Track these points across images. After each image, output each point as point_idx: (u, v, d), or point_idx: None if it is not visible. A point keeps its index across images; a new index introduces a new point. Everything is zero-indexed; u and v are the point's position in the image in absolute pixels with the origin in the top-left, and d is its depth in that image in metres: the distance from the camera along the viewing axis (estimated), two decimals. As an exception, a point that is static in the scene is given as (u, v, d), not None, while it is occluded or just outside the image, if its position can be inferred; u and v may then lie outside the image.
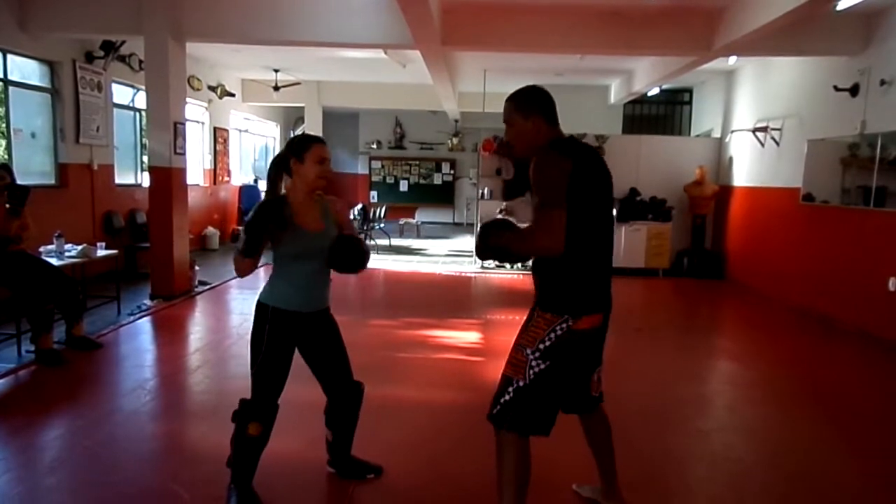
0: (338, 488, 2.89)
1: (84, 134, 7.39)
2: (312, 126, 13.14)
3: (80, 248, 5.66)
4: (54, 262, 5.13)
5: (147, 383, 4.26)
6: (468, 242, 12.30)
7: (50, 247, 5.49)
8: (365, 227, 11.33)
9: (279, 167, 2.61)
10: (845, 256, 6.46)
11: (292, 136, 16.40)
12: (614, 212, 2.45)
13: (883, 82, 5.97)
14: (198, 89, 10.15)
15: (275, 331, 2.57)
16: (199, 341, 5.54)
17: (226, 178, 11.83)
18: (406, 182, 16.89)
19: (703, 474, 3.25)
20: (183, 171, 6.96)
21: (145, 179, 8.09)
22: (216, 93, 10.91)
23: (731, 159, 9.29)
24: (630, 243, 8.91)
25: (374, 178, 16.77)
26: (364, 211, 11.34)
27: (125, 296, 6.39)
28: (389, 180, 16.82)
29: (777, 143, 7.91)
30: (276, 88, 11.17)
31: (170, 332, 5.74)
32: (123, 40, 7.65)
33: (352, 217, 11.31)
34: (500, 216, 8.95)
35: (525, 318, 2.39)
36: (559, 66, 9.74)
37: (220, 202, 11.65)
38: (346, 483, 2.90)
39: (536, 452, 2.32)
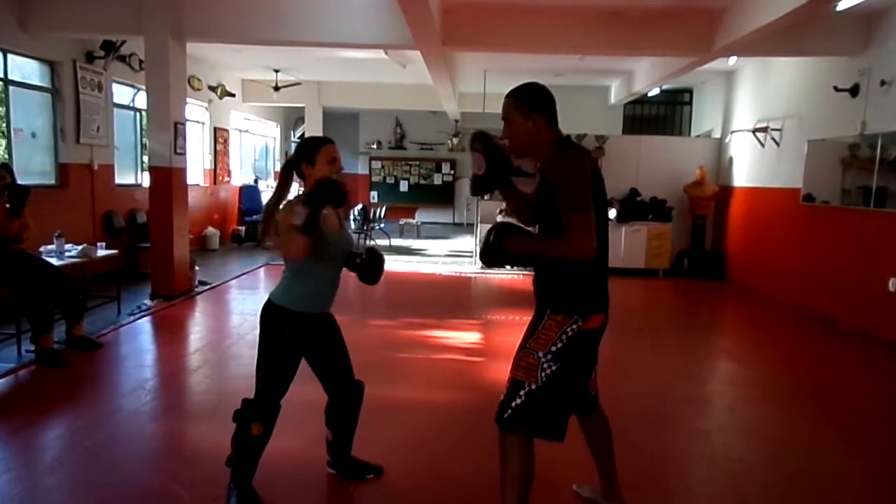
0: (338, 488, 2.89)
1: (84, 134, 7.39)
2: (312, 126, 13.15)
3: (80, 248, 5.66)
4: (54, 261, 5.14)
5: (147, 383, 4.26)
6: (468, 243, 12.30)
7: (50, 247, 5.49)
8: (365, 228, 11.33)
9: (290, 172, 2.60)
10: (845, 257, 6.46)
11: (295, 137, 16.33)
12: (612, 213, 2.44)
13: (883, 83, 5.97)
14: (198, 89, 10.16)
15: (294, 335, 2.55)
16: (199, 341, 5.54)
17: (226, 179, 11.83)
18: (406, 182, 16.89)
19: (703, 474, 3.25)
20: (183, 172, 6.97)
21: (145, 179, 8.09)
22: (216, 93, 10.91)
23: (731, 160, 9.29)
24: (630, 244, 8.92)
25: (375, 179, 16.77)
26: (364, 211, 11.34)
27: (125, 296, 6.39)
28: (389, 180, 16.82)
29: (777, 144, 7.91)
30: (277, 88, 11.18)
31: (170, 333, 5.74)
32: (124, 40, 7.65)
33: (352, 217, 11.34)
34: (501, 218, 8.96)
35: (530, 320, 2.38)
36: (559, 66, 9.75)
37: (221, 202, 11.65)
38: (347, 483, 2.90)
39: (536, 452, 2.32)
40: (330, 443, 2.90)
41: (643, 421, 3.73)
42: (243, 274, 8.48)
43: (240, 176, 12.73)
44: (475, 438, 3.30)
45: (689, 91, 11.73)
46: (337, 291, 2.71)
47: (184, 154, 6.93)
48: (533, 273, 2.40)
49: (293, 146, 16.50)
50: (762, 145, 8.23)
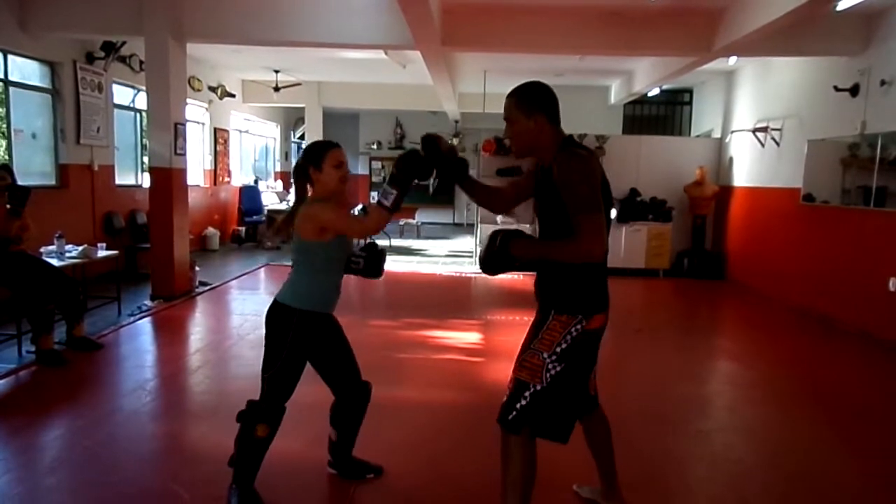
0: (339, 488, 2.89)
1: (84, 134, 7.39)
2: (313, 127, 13.15)
3: (80, 248, 5.67)
4: (55, 262, 5.14)
5: (147, 384, 4.26)
6: (468, 243, 12.31)
7: (50, 247, 5.50)
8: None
9: (303, 176, 2.62)
10: (845, 256, 6.46)
11: (295, 137, 16.32)
12: (613, 213, 2.44)
13: (883, 82, 5.98)
14: (198, 90, 10.16)
15: (299, 335, 2.56)
16: (199, 342, 5.55)
17: (226, 179, 11.83)
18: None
19: (704, 474, 3.25)
20: (183, 172, 6.97)
21: (146, 180, 8.09)
22: (216, 93, 10.91)
23: (731, 160, 9.29)
24: (630, 244, 8.92)
25: (375, 179, 16.76)
26: (365, 211, 11.33)
27: (126, 296, 6.40)
28: (390, 181, 16.79)
29: (777, 144, 7.91)
30: (277, 89, 11.18)
31: (170, 333, 5.75)
32: (124, 41, 7.66)
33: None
34: (501, 219, 8.96)
35: (533, 320, 2.38)
36: (559, 66, 9.75)
37: (221, 203, 11.65)
38: (347, 483, 2.90)
39: (537, 452, 2.32)
40: (333, 442, 2.90)
41: (643, 421, 3.73)
42: (244, 274, 8.48)
43: (240, 176, 12.73)
44: (475, 438, 3.30)
45: (690, 91, 11.74)
46: (339, 292, 2.72)
47: (184, 155, 6.94)
48: (535, 274, 2.40)
49: (293, 146, 16.52)
50: (762, 145, 8.23)
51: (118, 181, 8.28)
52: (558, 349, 2.23)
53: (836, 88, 6.49)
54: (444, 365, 4.90)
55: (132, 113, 8.90)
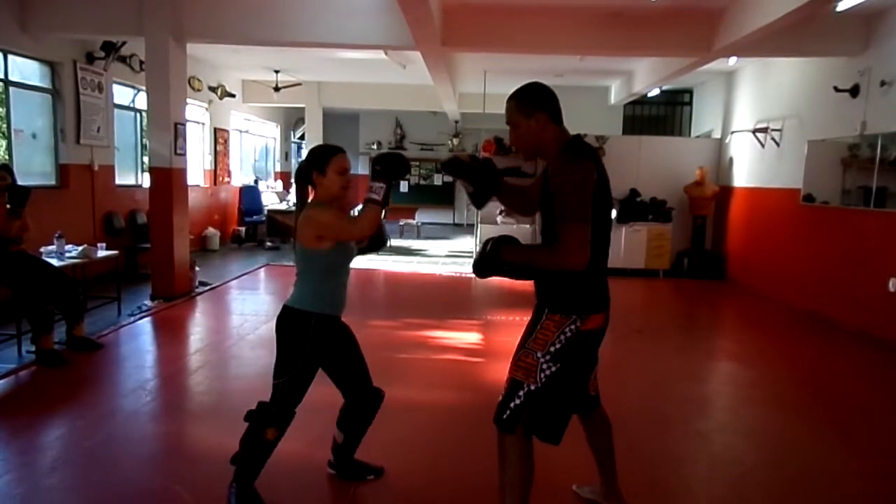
0: (339, 489, 2.89)
1: (85, 134, 7.39)
2: (313, 127, 13.15)
3: (80, 248, 5.67)
4: (55, 262, 5.14)
5: (148, 384, 4.26)
6: (468, 243, 12.31)
7: (50, 247, 5.50)
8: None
9: (303, 179, 2.63)
10: (845, 257, 6.46)
11: (295, 137, 16.33)
12: (613, 212, 2.44)
13: (883, 83, 5.98)
14: (198, 90, 10.16)
15: (317, 340, 2.56)
16: (199, 342, 5.55)
17: (226, 179, 11.83)
18: (406, 183, 16.86)
19: (704, 475, 3.25)
20: (183, 172, 6.97)
21: (146, 180, 8.09)
22: (217, 93, 10.91)
23: (731, 160, 9.29)
24: (630, 244, 8.91)
25: (375, 179, 16.75)
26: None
27: (126, 296, 6.40)
28: (390, 181, 16.78)
29: (777, 144, 7.91)
30: (277, 89, 11.18)
31: (170, 333, 5.75)
32: (124, 41, 7.66)
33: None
34: (501, 219, 8.96)
35: (529, 319, 2.37)
36: (559, 67, 9.75)
37: (221, 203, 11.65)
38: (347, 483, 2.90)
39: (536, 452, 2.32)
40: (338, 445, 2.90)
41: (644, 421, 3.73)
42: (244, 274, 8.48)
43: (240, 176, 12.74)
44: (475, 439, 3.30)
45: (689, 91, 11.74)
46: (346, 294, 2.72)
47: (184, 155, 6.94)
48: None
49: (293, 147, 16.52)
50: (762, 146, 8.23)
51: (118, 181, 8.28)
52: (552, 349, 2.22)
53: (836, 89, 6.49)
54: (444, 365, 4.91)
55: (132, 113, 8.90)
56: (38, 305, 4.48)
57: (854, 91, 6.38)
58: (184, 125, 6.98)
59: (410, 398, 4.12)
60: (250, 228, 11.78)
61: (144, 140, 8.48)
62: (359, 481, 2.92)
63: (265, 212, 11.81)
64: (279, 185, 14.31)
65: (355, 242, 2.73)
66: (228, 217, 11.93)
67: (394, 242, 11.93)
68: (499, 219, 9.19)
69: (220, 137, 11.37)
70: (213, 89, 10.78)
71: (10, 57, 6.49)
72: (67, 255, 5.51)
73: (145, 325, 5.82)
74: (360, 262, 2.82)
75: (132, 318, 5.85)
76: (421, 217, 15.46)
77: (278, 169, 15.46)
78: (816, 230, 7.05)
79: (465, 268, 9.61)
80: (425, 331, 5.83)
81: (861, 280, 6.20)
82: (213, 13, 6.61)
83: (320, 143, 13.31)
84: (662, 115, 12.48)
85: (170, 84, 6.53)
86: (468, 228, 14.97)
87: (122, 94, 8.51)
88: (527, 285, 2.40)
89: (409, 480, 2.99)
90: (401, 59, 8.95)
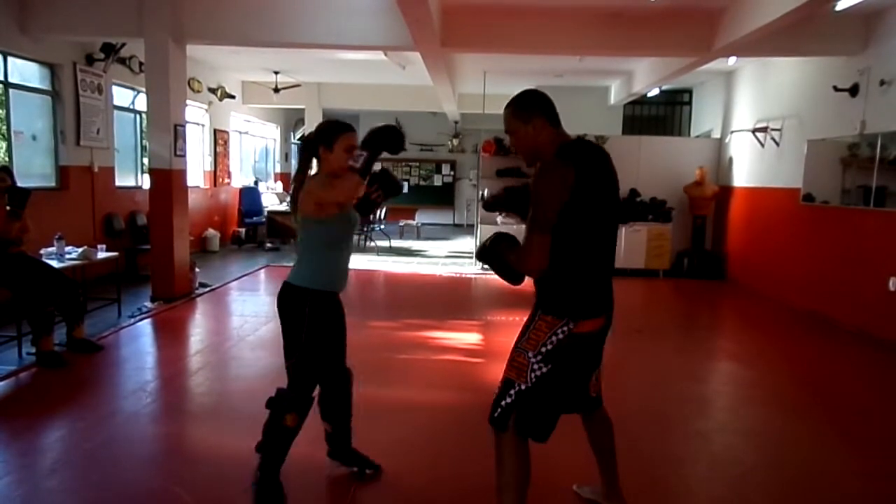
0: (339, 489, 2.89)
1: (84, 136, 7.39)
2: (312, 128, 13.12)
3: (80, 250, 5.67)
4: (55, 264, 5.14)
5: (148, 385, 4.27)
6: (468, 244, 12.31)
7: (50, 249, 5.50)
8: (365, 229, 11.34)
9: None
10: (845, 256, 6.46)
11: (295, 138, 16.30)
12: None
13: (882, 82, 5.98)
14: (198, 91, 10.16)
15: (315, 313, 2.56)
16: (199, 343, 5.55)
17: (226, 180, 11.83)
18: (406, 183, 16.87)
19: (704, 475, 3.25)
20: (183, 173, 6.97)
21: (146, 181, 8.09)
22: (216, 95, 10.92)
23: (730, 160, 9.29)
24: (630, 244, 8.91)
25: (375, 180, 16.76)
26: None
27: (126, 298, 6.40)
28: (389, 181, 16.80)
29: (777, 144, 7.91)
30: (277, 90, 11.18)
31: (170, 335, 5.75)
32: (124, 42, 7.66)
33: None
34: (501, 219, 8.97)
35: (526, 319, 2.38)
36: (559, 67, 9.75)
37: (221, 204, 11.65)
38: (347, 483, 2.90)
39: (536, 452, 2.32)
40: (329, 434, 2.90)
41: (644, 421, 3.73)
42: (244, 276, 8.49)
43: (240, 178, 12.74)
44: (475, 439, 3.29)
45: (689, 91, 11.73)
46: (348, 265, 2.73)
47: (184, 156, 6.94)
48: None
49: (293, 148, 16.51)
50: (762, 145, 8.23)
51: (118, 183, 8.28)
52: (543, 349, 2.23)
53: (836, 88, 6.49)
54: (443, 366, 4.91)
55: (132, 114, 8.90)
56: (38, 307, 4.48)
57: (853, 90, 6.38)
58: (183, 126, 6.98)
59: (410, 398, 4.12)
60: (250, 230, 11.78)
61: (144, 141, 8.49)
62: (359, 473, 2.92)
63: (265, 213, 11.82)
64: (279, 186, 14.32)
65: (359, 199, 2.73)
66: (228, 218, 11.93)
67: (394, 243, 11.94)
68: (499, 219, 9.19)
69: (219, 139, 11.38)
70: (212, 91, 10.78)
71: (9, 59, 6.50)
72: (67, 256, 5.51)
73: (145, 326, 5.82)
74: (360, 263, 2.82)
75: (132, 320, 5.85)
76: (421, 218, 15.47)
77: (278, 170, 15.47)
78: (816, 230, 7.05)
79: (465, 268, 9.62)
80: (425, 331, 5.83)
81: (861, 280, 6.19)
82: (212, 14, 6.61)
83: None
84: (662, 115, 12.47)
85: (169, 85, 6.54)
86: (468, 229, 14.97)
87: (121, 96, 8.51)
88: (526, 286, 2.40)
89: (409, 480, 2.99)
90: (400, 60, 8.95)
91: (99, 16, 6.43)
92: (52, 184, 7.18)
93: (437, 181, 16.94)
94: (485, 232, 9.39)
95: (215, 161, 11.21)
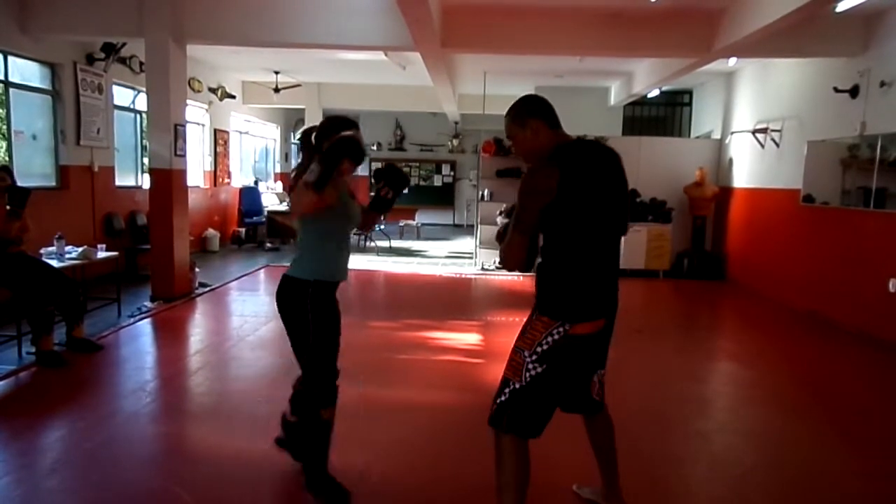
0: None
1: (85, 136, 7.39)
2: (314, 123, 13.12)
3: (80, 249, 5.66)
4: (55, 263, 5.14)
5: (148, 385, 4.26)
6: (468, 244, 12.31)
7: (50, 248, 5.50)
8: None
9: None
10: (845, 257, 6.46)
11: (295, 139, 16.30)
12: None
13: (883, 84, 5.98)
14: (198, 91, 10.17)
15: (316, 303, 2.57)
16: (199, 343, 5.54)
17: (226, 180, 11.83)
18: (406, 184, 16.88)
19: (704, 475, 3.25)
20: (183, 173, 6.97)
21: (146, 181, 8.09)
22: (217, 95, 10.92)
23: (731, 161, 9.30)
24: (630, 245, 8.90)
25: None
26: (364, 212, 11.32)
27: (125, 298, 6.40)
28: (389, 182, 16.80)
29: (777, 145, 7.92)
30: (277, 90, 11.19)
31: (170, 334, 5.75)
32: (124, 42, 7.66)
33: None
34: (501, 220, 8.96)
35: (526, 319, 2.39)
36: (559, 67, 9.75)
37: (221, 204, 11.65)
38: (348, 484, 2.89)
39: (537, 452, 2.32)
40: (290, 423, 2.89)
41: (644, 421, 3.73)
42: (244, 276, 8.48)
43: (240, 178, 12.74)
44: (475, 439, 3.29)
45: (689, 92, 11.74)
46: (348, 259, 2.73)
47: (184, 156, 6.94)
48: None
49: (293, 148, 16.52)
50: (762, 146, 8.24)
51: (118, 182, 8.28)
52: (539, 349, 2.23)
53: (836, 90, 6.50)
54: (443, 366, 4.91)
55: (132, 114, 8.90)
56: (37, 307, 4.48)
57: (854, 92, 6.38)
58: (184, 126, 6.98)
59: (410, 399, 4.12)
60: (250, 229, 11.78)
61: (144, 141, 8.49)
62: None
63: (265, 213, 11.82)
64: (279, 186, 14.32)
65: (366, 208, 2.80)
66: (228, 218, 11.93)
67: (394, 243, 11.94)
68: (499, 220, 9.18)
69: (220, 138, 11.38)
70: (213, 90, 10.79)
71: (10, 58, 6.50)
72: (67, 256, 5.51)
73: (145, 326, 5.82)
74: (360, 263, 2.82)
75: (132, 320, 5.85)
76: (421, 218, 15.47)
77: (278, 170, 15.47)
78: (816, 231, 7.05)
79: (465, 269, 9.62)
80: (425, 332, 5.82)
81: (861, 280, 6.20)
82: (212, 14, 6.61)
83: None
84: (662, 115, 12.47)
85: (170, 85, 6.54)
86: (468, 229, 14.97)
87: (122, 96, 8.51)
88: (526, 286, 2.41)
89: (409, 480, 2.98)
90: (400, 61, 8.95)
91: (99, 16, 6.43)
92: (53, 183, 7.18)
93: (437, 181, 16.94)
94: (485, 232, 9.40)
95: (215, 161, 11.21)
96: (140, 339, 5.53)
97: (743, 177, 8.93)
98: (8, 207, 4.46)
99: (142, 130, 8.92)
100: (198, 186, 10.41)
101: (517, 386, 2.26)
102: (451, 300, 7.62)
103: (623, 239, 2.45)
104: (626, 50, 7.15)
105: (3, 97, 6.51)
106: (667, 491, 3.03)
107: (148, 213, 7.34)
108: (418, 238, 13.60)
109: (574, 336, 2.22)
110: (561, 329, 2.21)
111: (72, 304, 4.76)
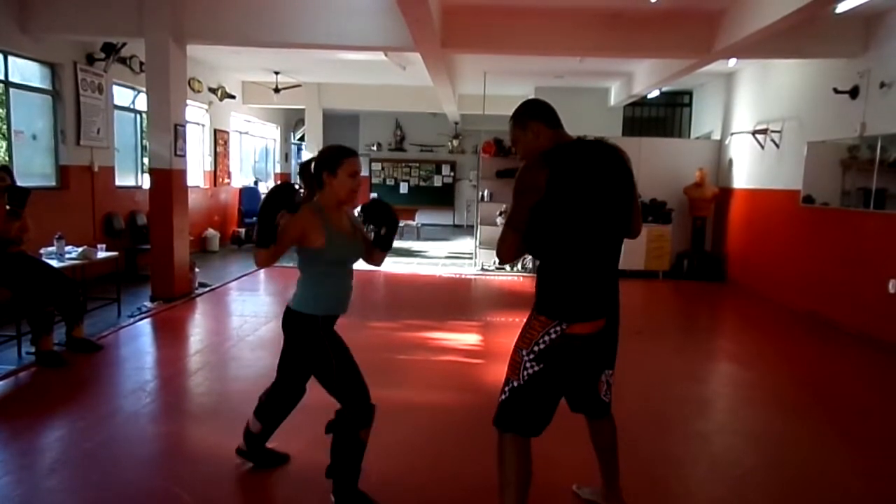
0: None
1: (85, 136, 7.39)
2: (313, 128, 13.15)
3: (80, 249, 5.66)
4: (55, 263, 5.13)
5: (147, 385, 4.26)
6: (468, 244, 12.30)
7: (50, 248, 5.50)
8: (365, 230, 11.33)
9: (311, 177, 2.62)
10: (845, 258, 6.46)
11: (295, 139, 16.30)
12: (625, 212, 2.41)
13: (882, 84, 5.98)
14: (198, 91, 10.17)
15: (328, 335, 2.60)
16: (199, 343, 5.54)
17: (226, 180, 11.84)
18: (406, 184, 16.90)
19: (704, 476, 3.25)
20: (183, 173, 6.97)
21: (146, 181, 8.10)
22: (217, 95, 10.92)
23: (730, 161, 9.30)
24: (630, 245, 8.77)
25: (375, 180, 16.79)
26: (364, 213, 11.32)
27: (125, 298, 6.39)
28: (390, 182, 16.84)
29: (777, 146, 7.92)
30: (277, 90, 11.19)
31: (170, 335, 5.75)
32: (124, 42, 7.66)
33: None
34: (500, 220, 8.96)
35: (526, 319, 2.39)
36: (559, 68, 9.76)
37: (221, 204, 11.65)
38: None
39: (537, 452, 2.32)
40: (255, 434, 2.91)
41: (644, 422, 3.73)
42: (243, 276, 8.48)
43: (240, 178, 12.74)
44: (475, 439, 3.30)
45: (689, 93, 11.74)
46: (349, 292, 2.73)
47: (184, 156, 6.94)
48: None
49: (293, 148, 16.53)
50: (762, 147, 8.24)
51: (118, 182, 8.28)
52: (536, 348, 2.24)
53: (836, 90, 6.50)
54: (443, 366, 4.91)
55: (132, 114, 8.90)
56: (37, 307, 4.48)
57: (853, 93, 6.38)
58: (184, 126, 6.98)
59: (410, 399, 4.12)
60: (250, 230, 11.77)
61: (144, 141, 8.49)
62: (269, 468, 2.95)
63: (265, 213, 11.78)
64: (279, 186, 14.30)
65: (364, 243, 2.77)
66: (228, 218, 11.93)
67: (393, 244, 11.92)
68: (498, 220, 9.19)
69: (220, 139, 11.38)
70: (213, 91, 10.79)
71: (10, 58, 6.50)
72: (67, 256, 5.51)
73: (145, 326, 5.82)
74: (360, 263, 2.81)
75: (132, 320, 5.85)
76: (421, 218, 15.47)
77: (278, 170, 15.47)
78: (816, 231, 7.05)
79: (465, 269, 9.62)
80: (425, 332, 5.82)
81: (861, 281, 6.20)
82: (213, 14, 6.62)
83: (320, 144, 13.29)
84: (662, 116, 12.47)
85: (170, 85, 6.54)
86: (468, 230, 14.97)
87: (122, 96, 8.51)
88: (526, 287, 2.41)
89: (409, 480, 2.99)
90: (400, 61, 8.95)
91: (99, 16, 6.43)
92: (53, 183, 7.18)
93: (437, 182, 16.94)
94: (485, 233, 9.41)
95: (215, 161, 11.22)
96: (140, 340, 5.53)
97: (743, 177, 8.93)
98: (8, 207, 4.46)
99: (142, 130, 8.92)
100: (198, 186, 10.41)
101: (515, 384, 2.27)
102: (451, 300, 7.61)
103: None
104: (626, 51, 7.15)
105: (4, 97, 6.51)
106: (666, 491, 3.03)
107: (148, 213, 7.34)
108: (418, 238, 13.60)
109: (571, 335, 2.23)
110: (557, 328, 2.22)
111: (72, 304, 4.76)
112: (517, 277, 8.83)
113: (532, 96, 11.15)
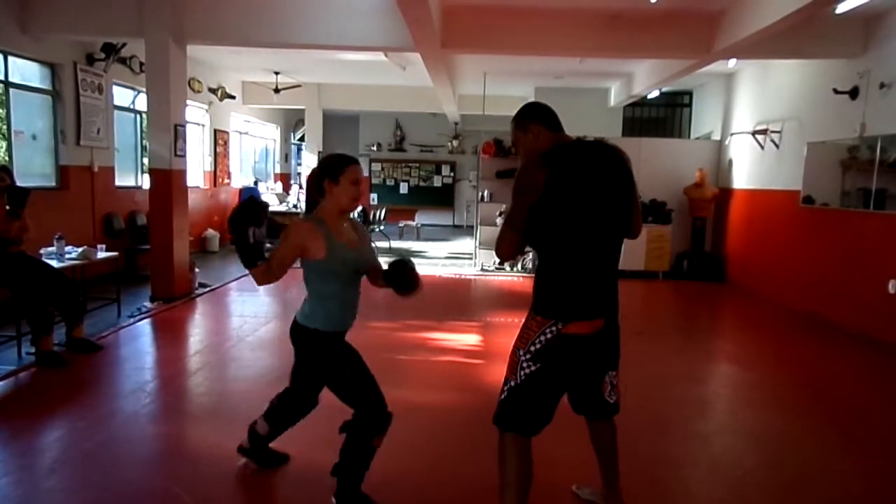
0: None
1: (85, 136, 7.39)
2: (313, 128, 13.16)
3: (80, 250, 5.66)
4: (54, 263, 5.13)
5: (147, 385, 4.26)
6: (468, 245, 12.31)
7: (50, 249, 5.49)
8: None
9: (316, 187, 2.62)
10: (845, 259, 6.46)
11: (295, 139, 16.33)
12: (626, 212, 2.42)
13: (882, 85, 5.99)
14: (198, 91, 10.17)
15: (342, 348, 2.62)
16: (199, 344, 5.54)
17: (226, 181, 11.84)
18: (406, 184, 16.91)
19: (704, 477, 3.25)
20: (183, 173, 6.97)
21: (146, 181, 8.09)
22: (217, 95, 10.92)
23: (730, 162, 9.30)
24: (630, 246, 8.77)
25: (375, 181, 16.79)
26: (364, 213, 11.34)
27: (125, 298, 6.39)
28: (389, 182, 16.85)
29: (777, 146, 7.92)
30: (277, 91, 11.19)
31: (170, 335, 5.74)
32: (124, 42, 7.66)
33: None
34: (500, 220, 8.95)
35: (524, 319, 2.39)
36: (559, 68, 9.76)
37: (221, 204, 11.64)
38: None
39: (537, 452, 2.32)
40: (261, 436, 2.91)
41: (643, 423, 3.72)
42: (243, 276, 8.46)
43: (240, 178, 12.74)
44: (475, 439, 3.29)
45: (689, 93, 11.75)
46: (356, 305, 2.75)
47: (184, 156, 6.94)
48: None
49: (293, 148, 16.54)
50: (762, 147, 8.24)
51: (118, 182, 8.28)
52: (532, 348, 2.25)
53: (836, 91, 6.50)
54: (443, 366, 4.91)
55: (132, 114, 8.90)
56: (37, 307, 4.48)
57: (853, 93, 6.39)
58: (184, 127, 6.98)
59: (410, 399, 4.11)
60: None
61: (144, 141, 8.49)
62: (269, 468, 2.96)
63: (265, 213, 11.77)
64: (279, 186, 14.32)
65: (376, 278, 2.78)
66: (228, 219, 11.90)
67: (393, 244, 11.94)
68: (498, 220, 9.19)
69: (219, 139, 11.38)
70: (213, 91, 10.79)
71: (10, 58, 6.50)
72: (67, 256, 5.51)
73: (145, 326, 5.81)
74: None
75: (132, 320, 5.85)
76: (420, 219, 15.48)
77: (278, 170, 15.47)
78: (816, 232, 7.05)
79: (465, 269, 9.62)
80: (425, 332, 5.82)
81: (861, 282, 6.20)
82: (213, 15, 6.62)
83: (320, 144, 13.28)
84: (662, 116, 12.48)
85: (170, 85, 6.54)
86: (468, 230, 14.97)
87: (122, 96, 8.51)
88: (525, 287, 2.41)
89: (409, 481, 2.99)
90: (400, 61, 8.96)
91: (99, 16, 6.43)
92: (52, 183, 7.18)
93: (437, 182, 16.95)
94: (484, 233, 9.40)
95: (215, 161, 11.22)
96: (140, 340, 5.53)
97: (743, 178, 8.93)
98: (8, 207, 4.46)
99: (142, 130, 8.92)
100: (198, 187, 10.41)
101: (514, 384, 2.28)
102: (451, 301, 7.61)
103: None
104: (626, 51, 7.16)
105: (4, 97, 6.51)
106: (666, 492, 3.03)
107: (148, 214, 7.34)
108: (418, 239, 13.60)
109: (567, 335, 2.23)
110: (553, 328, 2.22)
111: (71, 304, 4.76)
112: (517, 278, 8.83)
113: (532, 97, 11.18)
